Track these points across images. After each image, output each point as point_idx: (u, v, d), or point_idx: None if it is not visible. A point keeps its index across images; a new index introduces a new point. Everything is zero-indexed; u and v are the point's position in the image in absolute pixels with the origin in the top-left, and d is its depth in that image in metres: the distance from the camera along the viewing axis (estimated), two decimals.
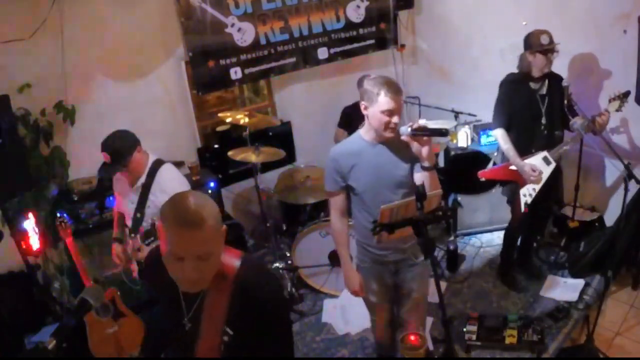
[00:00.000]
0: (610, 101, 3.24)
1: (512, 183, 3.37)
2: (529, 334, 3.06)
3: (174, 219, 1.33)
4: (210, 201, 1.41)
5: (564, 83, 3.13)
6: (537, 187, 3.27)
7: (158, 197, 2.64)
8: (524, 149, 3.26)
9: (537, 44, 3.09)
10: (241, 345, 1.48)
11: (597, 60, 3.71)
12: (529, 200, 3.29)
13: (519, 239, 3.72)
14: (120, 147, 2.56)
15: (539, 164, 3.25)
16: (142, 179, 2.67)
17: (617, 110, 3.26)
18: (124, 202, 2.83)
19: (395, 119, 2.19)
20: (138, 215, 2.69)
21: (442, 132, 2.16)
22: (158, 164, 2.71)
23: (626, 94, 3.23)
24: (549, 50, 3.08)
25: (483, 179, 3.47)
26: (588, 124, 3.12)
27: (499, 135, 3.29)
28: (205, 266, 1.36)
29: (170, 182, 2.67)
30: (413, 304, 2.56)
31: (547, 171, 3.26)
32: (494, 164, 3.60)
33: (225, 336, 1.47)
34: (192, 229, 1.31)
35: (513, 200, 3.42)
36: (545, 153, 3.26)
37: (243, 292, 1.46)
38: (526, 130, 3.27)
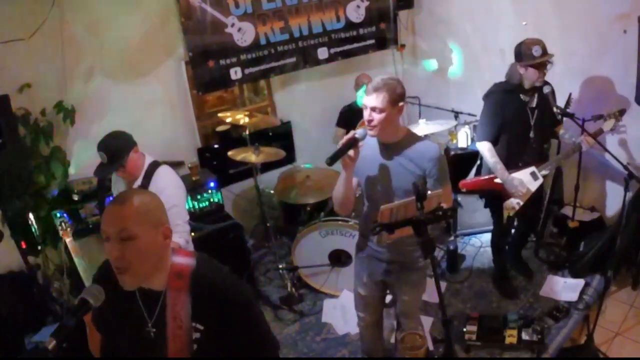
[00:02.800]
0: (605, 119, 3.19)
1: (495, 194, 3.29)
2: (529, 334, 3.06)
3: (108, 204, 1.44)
4: (150, 194, 1.51)
5: (545, 90, 2.99)
6: (522, 202, 3.21)
7: None
8: (512, 163, 3.20)
9: (528, 56, 2.93)
10: (215, 336, 1.50)
11: (597, 60, 3.71)
12: (512, 213, 3.23)
13: (508, 243, 3.72)
14: (117, 147, 2.54)
15: (527, 180, 3.19)
16: (139, 181, 2.64)
17: (611, 130, 3.21)
18: None
19: (367, 115, 2.20)
20: None
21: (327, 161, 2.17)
22: (155, 165, 2.68)
23: (621, 112, 3.17)
24: (541, 64, 2.95)
25: (464, 190, 3.39)
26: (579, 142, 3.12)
27: (485, 149, 3.17)
28: (128, 250, 1.38)
29: (167, 185, 2.64)
30: (403, 307, 2.57)
31: (533, 186, 3.21)
32: (479, 167, 3.52)
33: (196, 332, 1.49)
34: (115, 204, 1.41)
35: (496, 211, 3.36)
36: (533, 168, 3.20)
37: (203, 286, 1.49)
38: (514, 143, 3.19)
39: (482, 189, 3.37)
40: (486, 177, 3.31)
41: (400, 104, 2.21)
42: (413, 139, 2.29)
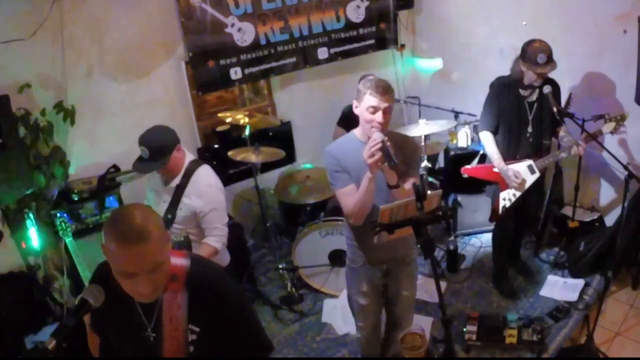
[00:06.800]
0: (605, 121, 3.18)
1: (494, 184, 3.35)
2: (529, 334, 3.06)
3: (120, 237, 1.30)
4: (151, 210, 1.43)
5: (545, 90, 3.02)
6: (518, 193, 3.25)
7: (193, 200, 2.50)
8: (509, 155, 3.23)
9: (532, 60, 2.94)
10: (211, 337, 1.50)
11: (597, 60, 3.71)
12: (508, 204, 3.28)
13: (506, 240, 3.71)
14: (161, 144, 2.40)
15: (523, 171, 3.21)
16: (177, 180, 2.52)
17: (612, 132, 3.19)
18: (155, 201, 2.66)
19: (378, 117, 2.17)
20: (169, 216, 2.52)
21: (392, 164, 2.08)
22: (195, 164, 2.57)
23: (622, 118, 3.14)
24: (542, 72, 2.96)
25: (466, 176, 3.47)
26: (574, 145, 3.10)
27: (485, 138, 3.27)
28: (158, 276, 1.38)
29: (208, 188, 2.53)
30: (404, 304, 2.60)
31: (530, 180, 3.22)
32: (482, 157, 3.57)
33: (192, 334, 1.49)
34: (139, 243, 1.29)
35: (493, 201, 3.40)
36: (530, 161, 3.22)
37: (198, 288, 1.49)
38: (512, 136, 3.22)
39: (482, 176, 3.42)
40: (487, 165, 3.38)
41: None
42: (392, 134, 2.32)
